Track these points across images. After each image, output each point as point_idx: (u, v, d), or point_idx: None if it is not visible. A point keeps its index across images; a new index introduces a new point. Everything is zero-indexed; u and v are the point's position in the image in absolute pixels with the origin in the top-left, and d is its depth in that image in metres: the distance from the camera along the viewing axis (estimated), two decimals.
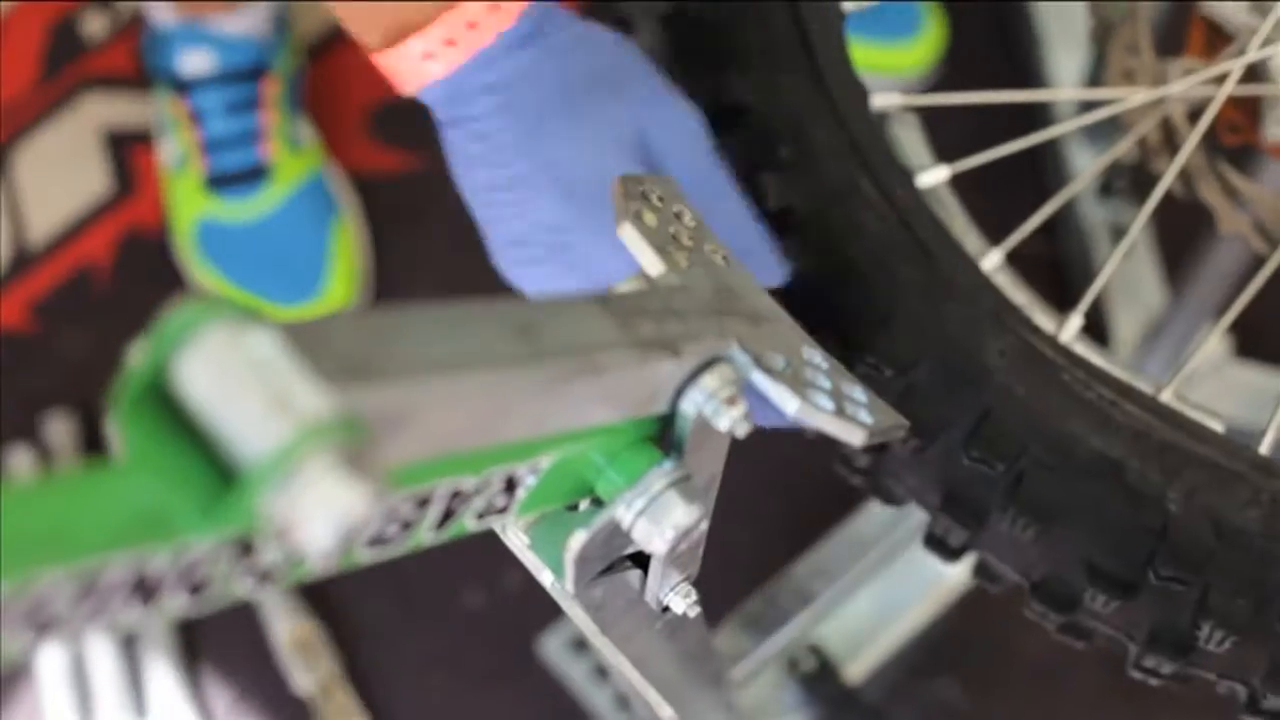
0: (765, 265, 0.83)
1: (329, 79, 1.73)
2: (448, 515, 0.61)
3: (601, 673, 1.46)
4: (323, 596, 1.57)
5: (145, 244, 1.70)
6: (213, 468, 0.50)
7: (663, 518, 0.66)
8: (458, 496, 0.61)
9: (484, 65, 0.81)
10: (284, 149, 1.64)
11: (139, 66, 1.74)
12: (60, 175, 1.72)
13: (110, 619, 0.50)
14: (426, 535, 0.61)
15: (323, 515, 0.47)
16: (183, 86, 1.62)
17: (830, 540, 1.37)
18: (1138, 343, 1.51)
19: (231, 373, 0.49)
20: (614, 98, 0.82)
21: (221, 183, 1.63)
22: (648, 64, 0.85)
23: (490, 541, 0.72)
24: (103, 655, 1.52)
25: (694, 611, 0.81)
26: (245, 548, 0.52)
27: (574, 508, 0.71)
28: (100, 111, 1.74)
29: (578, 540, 0.67)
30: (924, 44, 1.72)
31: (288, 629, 1.53)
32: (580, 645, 1.48)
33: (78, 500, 0.48)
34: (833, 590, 1.32)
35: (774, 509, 1.53)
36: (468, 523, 0.63)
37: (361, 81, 1.74)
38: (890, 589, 1.41)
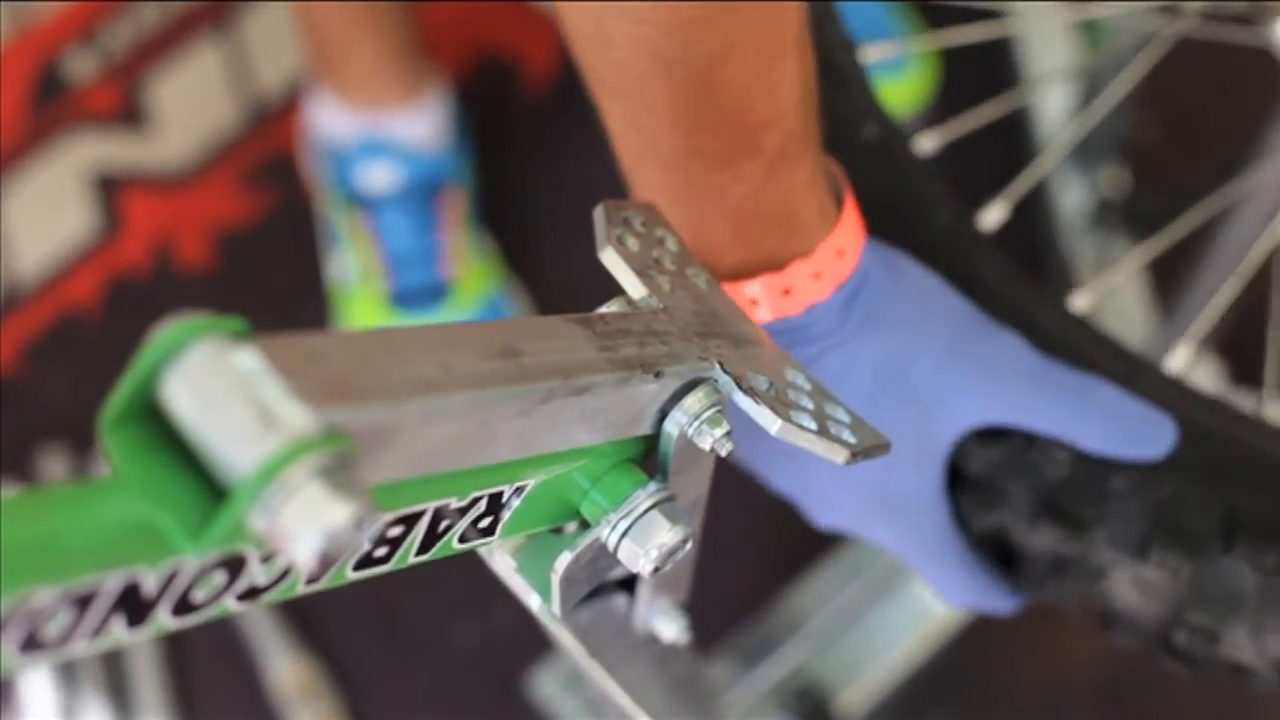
0: (1153, 432, 0.84)
1: None
2: (432, 536, 0.61)
3: (594, 709, 1.46)
4: (316, 635, 1.56)
5: (132, 285, 1.70)
6: (202, 485, 0.50)
7: (647, 538, 0.66)
8: (442, 518, 0.61)
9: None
10: (466, 265, 1.63)
11: (126, 106, 1.75)
12: (48, 216, 1.73)
13: (101, 639, 0.50)
14: (412, 556, 0.61)
15: (308, 530, 0.48)
16: (363, 203, 1.60)
17: (819, 570, 1.37)
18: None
19: (217, 390, 0.49)
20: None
21: (403, 300, 1.61)
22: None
23: (481, 578, 0.72)
24: (91, 706, 1.52)
25: (684, 638, 0.81)
26: (235, 565, 0.52)
27: (560, 531, 0.71)
28: (87, 152, 1.74)
29: (563, 561, 0.67)
30: (912, 82, 1.73)
31: (286, 670, 1.53)
32: (572, 681, 1.47)
33: (67, 517, 0.49)
34: (822, 619, 1.32)
35: (763, 541, 1.53)
36: (453, 544, 0.63)
37: None
38: (882, 622, 1.41)
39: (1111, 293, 1.55)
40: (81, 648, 0.49)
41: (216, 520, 0.49)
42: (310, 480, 0.48)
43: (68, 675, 1.53)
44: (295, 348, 0.51)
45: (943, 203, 0.93)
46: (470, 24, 1.80)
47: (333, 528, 0.48)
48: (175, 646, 1.56)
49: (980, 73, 1.75)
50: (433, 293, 1.61)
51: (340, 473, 0.48)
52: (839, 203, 0.77)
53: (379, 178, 1.59)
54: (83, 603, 0.48)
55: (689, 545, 0.67)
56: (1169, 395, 0.89)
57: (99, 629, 0.49)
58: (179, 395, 0.49)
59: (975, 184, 1.04)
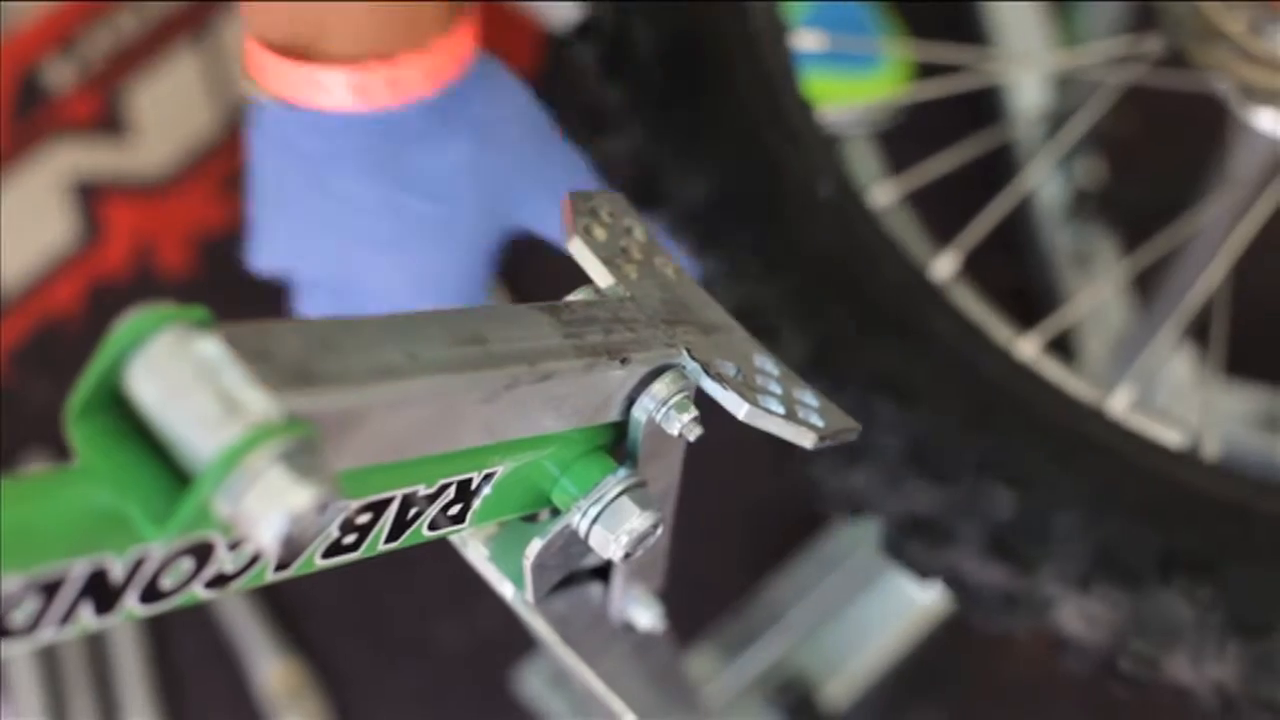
0: None
1: None
2: (402, 524, 0.62)
3: (580, 707, 1.46)
4: (303, 636, 1.57)
5: (113, 292, 1.71)
6: (167, 473, 0.51)
7: (618, 524, 0.66)
8: (411, 505, 0.61)
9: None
10: None
11: (105, 114, 1.75)
12: (28, 224, 1.73)
13: (68, 626, 0.50)
14: (381, 544, 0.61)
15: (272, 514, 0.48)
16: None
17: (799, 560, 1.37)
18: (1106, 360, 1.52)
19: (179, 378, 0.49)
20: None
21: None
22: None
23: (466, 577, 0.73)
24: (78, 708, 1.52)
25: (659, 626, 0.81)
26: (203, 552, 0.53)
27: (533, 519, 0.71)
28: (67, 160, 1.74)
29: (534, 548, 0.67)
30: (885, 77, 1.73)
31: (272, 671, 1.53)
32: (558, 679, 1.48)
33: (34, 505, 0.49)
34: (803, 610, 1.33)
35: (741, 533, 1.54)
36: (423, 531, 0.63)
37: None
38: (865, 613, 1.41)
39: (1090, 277, 1.56)
40: (50, 634, 0.50)
41: (181, 507, 0.49)
42: (272, 465, 0.48)
43: (53, 678, 1.53)
44: (258, 335, 0.51)
45: (896, 257, 0.96)
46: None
47: (296, 511, 0.48)
48: (161, 648, 1.57)
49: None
50: None
51: (303, 457, 0.49)
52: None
53: None
54: (49, 590, 0.49)
55: (659, 531, 0.67)
56: (1116, 440, 0.93)
57: (67, 616, 0.50)
58: (143, 384, 0.50)
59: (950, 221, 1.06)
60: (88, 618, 0.51)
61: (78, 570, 0.49)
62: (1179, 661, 0.89)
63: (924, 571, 0.92)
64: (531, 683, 1.49)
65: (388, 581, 1.59)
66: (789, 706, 1.39)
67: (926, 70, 1.08)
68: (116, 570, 0.50)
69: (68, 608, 0.50)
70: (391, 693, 1.56)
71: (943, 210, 1.14)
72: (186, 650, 1.57)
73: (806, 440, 0.69)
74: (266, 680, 1.53)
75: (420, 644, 1.57)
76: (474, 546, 0.72)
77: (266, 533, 0.48)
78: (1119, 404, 1.01)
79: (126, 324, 0.50)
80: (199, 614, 1.57)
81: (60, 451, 1.62)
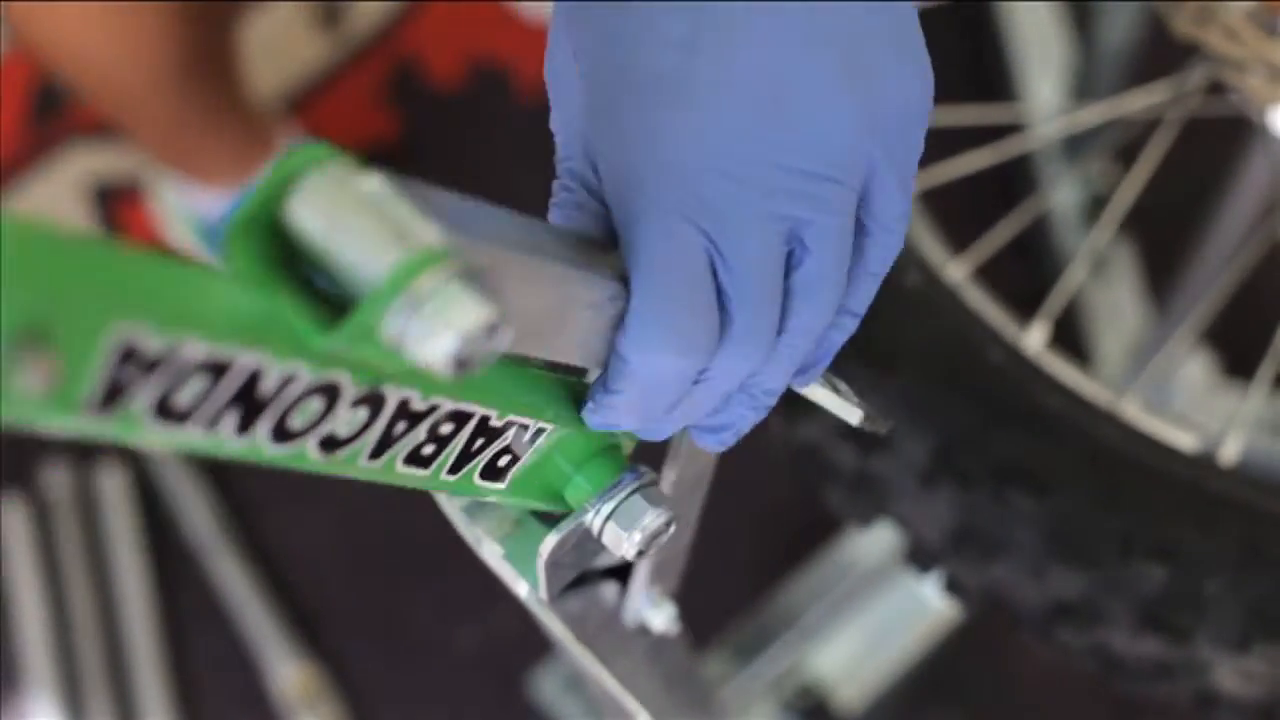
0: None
1: (313, 130, 1.74)
2: (467, 454, 0.61)
3: (594, 710, 1.46)
4: (319, 639, 1.57)
5: None
6: (320, 304, 0.51)
7: (631, 522, 0.66)
8: (482, 433, 0.61)
9: None
10: None
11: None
12: None
13: (212, 433, 0.51)
14: (444, 474, 0.61)
15: (445, 332, 0.49)
16: None
17: (812, 564, 1.37)
18: (1121, 362, 1.52)
19: (346, 209, 0.50)
20: None
21: None
22: None
23: (481, 582, 0.73)
24: (96, 712, 1.53)
25: (674, 628, 0.82)
26: (332, 394, 0.53)
27: (549, 519, 0.71)
28: (86, 164, 1.75)
29: (547, 545, 0.67)
30: None
31: (289, 674, 1.53)
32: (573, 683, 1.48)
33: (208, 288, 0.49)
34: (816, 614, 1.33)
35: (755, 537, 1.54)
36: (475, 478, 0.63)
37: (343, 132, 1.76)
38: (879, 618, 1.41)
39: (1106, 286, 1.56)
40: (194, 435, 0.50)
41: (353, 316, 0.49)
42: (446, 284, 0.49)
43: (71, 679, 1.54)
44: (415, 188, 0.52)
45: (990, 338, 0.96)
46: (461, 33, 1.81)
47: (468, 330, 0.49)
48: (179, 651, 1.57)
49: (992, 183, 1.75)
50: None
51: (473, 281, 0.50)
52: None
53: None
54: (216, 373, 0.49)
55: (672, 529, 0.67)
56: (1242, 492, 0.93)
57: (216, 417, 0.50)
58: (307, 211, 0.50)
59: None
60: (228, 431, 0.51)
61: (243, 361, 0.50)
62: None
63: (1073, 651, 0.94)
64: (546, 686, 1.49)
65: (403, 586, 1.59)
66: (804, 711, 1.39)
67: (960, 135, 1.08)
68: (269, 380, 0.51)
69: (222, 405, 0.50)
70: (407, 696, 1.57)
71: (959, 216, 1.14)
72: (203, 653, 1.58)
73: (853, 417, 0.69)
74: (283, 683, 1.53)
75: (436, 647, 1.57)
76: (489, 545, 0.72)
77: (437, 350, 0.49)
78: (1229, 453, 1.01)
79: (291, 156, 0.50)
80: (216, 616, 1.57)
81: (78, 457, 1.63)
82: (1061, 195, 1.58)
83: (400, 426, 0.57)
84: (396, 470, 0.59)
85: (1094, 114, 1.26)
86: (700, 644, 1.34)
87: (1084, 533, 0.90)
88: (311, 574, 1.61)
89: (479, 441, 0.62)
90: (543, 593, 0.71)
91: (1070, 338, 1.56)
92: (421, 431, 0.58)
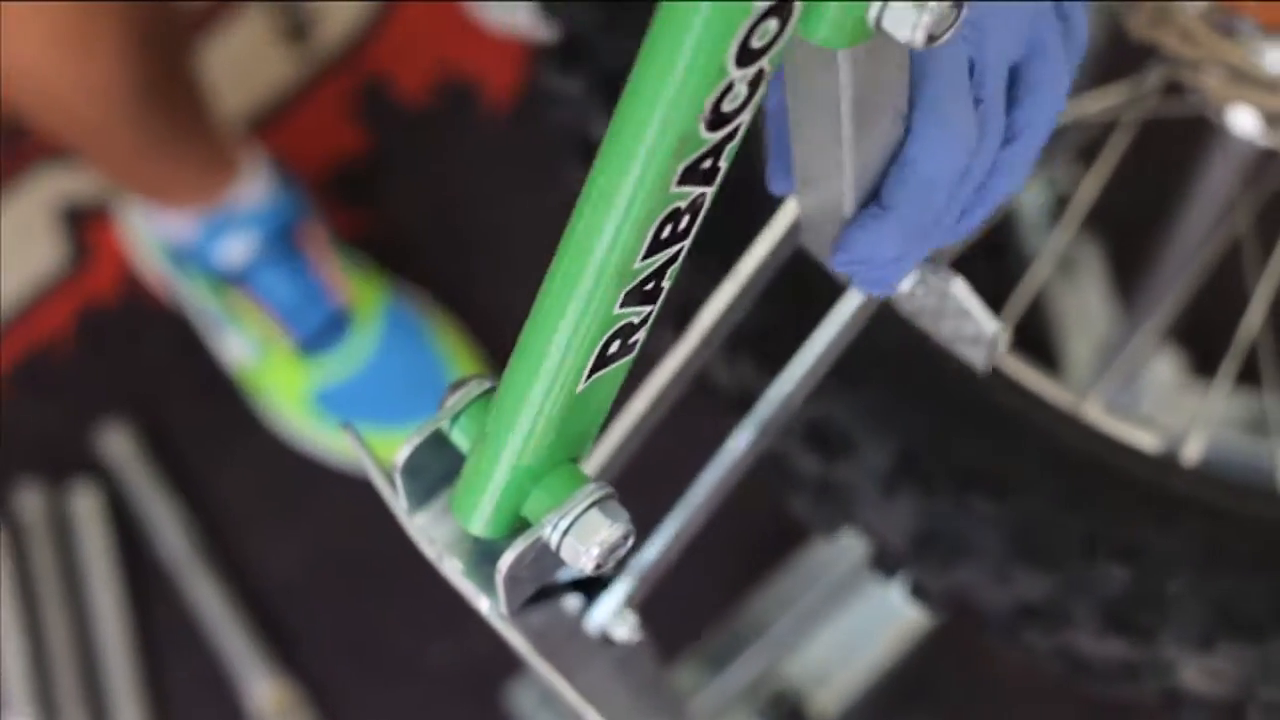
0: None
1: (281, 148, 1.74)
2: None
3: None
4: (292, 656, 1.57)
5: (103, 315, 1.71)
6: None
7: (588, 536, 0.67)
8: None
9: None
10: (352, 286, 1.63)
11: None
12: (18, 250, 1.73)
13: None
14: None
15: None
16: (232, 279, 1.59)
17: (785, 571, 1.38)
18: (1090, 364, 1.52)
19: None
20: None
21: (311, 344, 1.62)
22: None
23: (456, 596, 0.73)
24: None
25: (636, 637, 0.82)
26: (784, 14, 0.56)
27: (511, 535, 0.71)
28: (56, 186, 1.75)
29: (506, 559, 0.68)
30: None
31: (264, 692, 1.53)
32: (549, 698, 1.48)
33: None
34: (787, 621, 1.33)
35: (722, 546, 1.54)
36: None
37: (312, 149, 1.76)
38: (852, 624, 1.41)
39: (1073, 288, 1.57)
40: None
41: None
42: None
43: (46, 698, 1.54)
44: None
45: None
46: (429, 46, 1.81)
47: None
48: (154, 669, 1.57)
49: None
50: (335, 325, 1.61)
51: None
52: None
53: (237, 251, 1.58)
54: None
55: (630, 541, 0.68)
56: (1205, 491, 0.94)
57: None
58: None
59: None
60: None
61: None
62: None
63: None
64: (522, 701, 1.49)
65: (378, 602, 1.59)
66: (779, 718, 1.39)
67: None
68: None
69: None
70: (383, 712, 1.57)
71: None
72: (179, 672, 1.58)
73: (991, 327, 0.78)
74: (258, 701, 1.53)
75: (411, 663, 1.57)
76: (449, 561, 0.72)
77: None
78: (1192, 452, 1.01)
79: None
80: (191, 635, 1.57)
81: (53, 476, 1.63)
82: (1026, 197, 1.59)
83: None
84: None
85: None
86: (671, 654, 1.34)
87: (1047, 535, 0.90)
88: (286, 592, 1.61)
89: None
90: (503, 608, 0.71)
91: (1040, 340, 1.57)
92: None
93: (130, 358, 1.70)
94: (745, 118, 0.59)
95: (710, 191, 0.61)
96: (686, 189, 0.60)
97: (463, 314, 1.69)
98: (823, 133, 0.69)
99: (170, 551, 1.60)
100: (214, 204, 1.56)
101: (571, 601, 0.80)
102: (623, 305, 0.63)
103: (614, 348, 0.65)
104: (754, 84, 0.58)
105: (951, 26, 0.60)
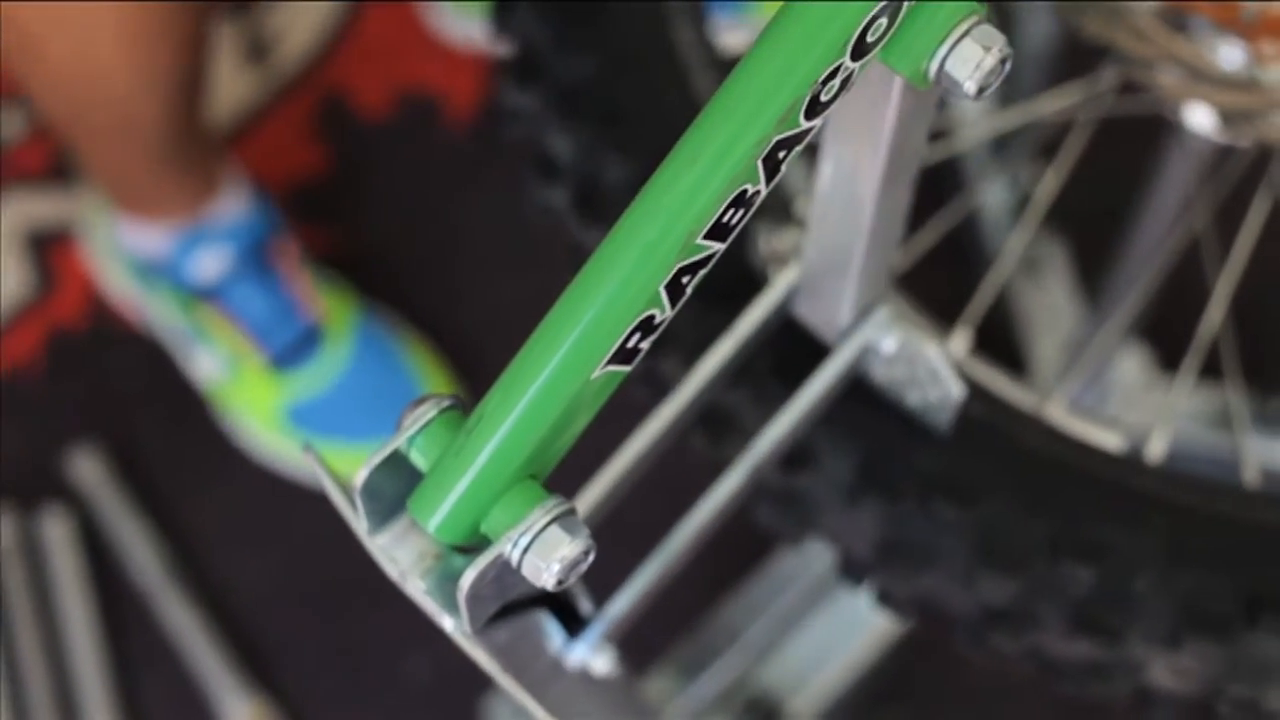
0: None
1: (242, 165, 1.74)
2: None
3: None
4: (268, 674, 1.57)
5: (71, 339, 1.71)
6: None
7: (548, 553, 0.67)
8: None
9: None
10: (324, 303, 1.63)
11: (55, 165, 1.75)
12: None
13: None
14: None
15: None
16: (205, 294, 1.60)
17: (752, 579, 1.38)
18: (1057, 364, 1.52)
19: None
20: None
21: (283, 360, 1.62)
22: None
23: None
24: None
25: (615, 672, 0.82)
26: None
27: (469, 552, 0.72)
28: (21, 211, 1.75)
29: (466, 579, 0.68)
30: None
31: (240, 711, 1.53)
32: (523, 711, 1.47)
33: None
34: (759, 628, 1.33)
35: (698, 557, 1.54)
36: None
37: (274, 167, 1.76)
38: (824, 629, 1.42)
39: (1040, 283, 1.57)
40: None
41: None
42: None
43: None
44: None
45: None
46: (389, 62, 1.81)
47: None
48: (129, 689, 1.57)
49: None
50: (307, 340, 1.62)
51: None
52: None
53: (211, 266, 1.58)
54: None
55: (591, 557, 0.68)
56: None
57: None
58: None
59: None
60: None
61: None
62: (1278, 696, 0.91)
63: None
64: (497, 714, 1.49)
65: (351, 619, 1.59)
66: None
67: None
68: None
69: None
70: None
71: None
72: (154, 693, 1.58)
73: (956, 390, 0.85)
74: (236, 718, 1.53)
75: (386, 678, 1.57)
76: (412, 581, 0.72)
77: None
78: (1155, 450, 1.02)
79: None
80: (166, 657, 1.57)
81: (23, 501, 1.63)
82: (991, 199, 1.59)
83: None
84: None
85: (1012, 118, 1.27)
86: (643, 663, 1.34)
87: (1011, 539, 0.90)
88: (260, 610, 1.61)
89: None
90: (465, 626, 0.71)
91: (1007, 341, 1.57)
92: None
93: (99, 382, 1.70)
94: (819, 124, 0.66)
95: (764, 192, 0.67)
96: (760, 176, 0.66)
97: (427, 328, 1.69)
98: (858, 168, 0.74)
99: (143, 574, 1.59)
100: (194, 217, 1.56)
101: (538, 617, 0.80)
102: (667, 286, 0.67)
103: (633, 340, 0.68)
104: (841, 87, 0.66)
105: (997, 81, 0.66)
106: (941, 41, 0.67)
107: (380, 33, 1.83)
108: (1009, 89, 1.54)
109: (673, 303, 0.68)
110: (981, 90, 0.67)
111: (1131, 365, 1.50)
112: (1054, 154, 1.15)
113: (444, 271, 1.73)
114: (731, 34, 1.08)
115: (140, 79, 1.35)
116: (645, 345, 0.69)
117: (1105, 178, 1.39)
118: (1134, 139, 1.27)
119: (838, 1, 0.64)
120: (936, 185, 1.60)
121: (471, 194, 1.75)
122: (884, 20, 0.65)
